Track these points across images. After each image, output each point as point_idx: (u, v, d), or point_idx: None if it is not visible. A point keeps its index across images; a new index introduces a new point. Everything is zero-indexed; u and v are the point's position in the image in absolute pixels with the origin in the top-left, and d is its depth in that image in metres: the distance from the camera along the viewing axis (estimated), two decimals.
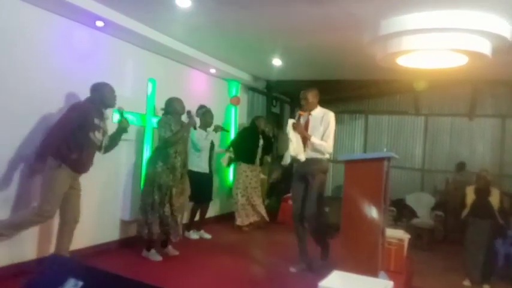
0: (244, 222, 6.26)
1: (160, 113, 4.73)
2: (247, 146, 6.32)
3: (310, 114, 4.43)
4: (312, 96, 4.43)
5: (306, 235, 4.42)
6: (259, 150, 6.42)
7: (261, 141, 6.44)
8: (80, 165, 3.57)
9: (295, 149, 4.26)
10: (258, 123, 6.46)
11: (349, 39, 4.62)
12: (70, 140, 3.46)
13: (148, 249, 4.45)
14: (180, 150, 4.47)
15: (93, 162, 3.72)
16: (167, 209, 4.34)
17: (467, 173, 7.99)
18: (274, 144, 6.70)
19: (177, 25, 4.57)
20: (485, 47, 4.11)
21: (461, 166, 8.16)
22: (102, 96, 3.69)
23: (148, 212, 4.33)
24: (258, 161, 6.44)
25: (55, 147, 3.44)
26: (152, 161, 4.45)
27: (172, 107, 4.52)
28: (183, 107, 4.61)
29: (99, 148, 3.76)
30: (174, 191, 4.37)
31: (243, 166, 6.30)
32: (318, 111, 4.45)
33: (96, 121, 3.61)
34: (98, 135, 3.64)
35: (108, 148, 3.90)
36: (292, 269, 4.38)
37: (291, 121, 4.39)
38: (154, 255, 4.43)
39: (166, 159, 4.36)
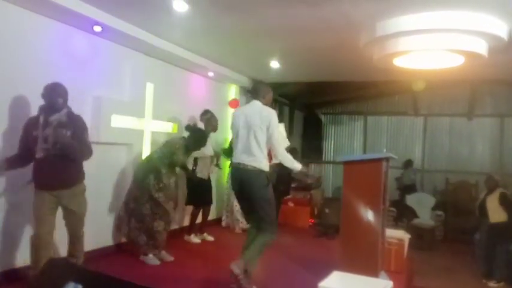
0: (236, 227, 6.24)
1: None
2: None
3: None
4: None
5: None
6: None
7: None
8: (47, 182, 3.27)
9: None
10: None
11: (347, 40, 4.64)
12: (23, 160, 3.31)
13: (146, 254, 4.43)
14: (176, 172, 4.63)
15: (72, 174, 3.37)
16: (156, 223, 4.38)
17: (414, 170, 8.49)
18: None
19: (174, 29, 4.58)
20: (481, 47, 4.12)
21: (408, 163, 8.53)
22: (46, 100, 3.27)
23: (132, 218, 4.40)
24: None
25: (14, 163, 3.33)
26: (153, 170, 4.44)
27: (199, 145, 4.72)
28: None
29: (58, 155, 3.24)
30: (167, 207, 4.43)
31: None
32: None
33: (35, 132, 3.21)
34: (45, 146, 3.19)
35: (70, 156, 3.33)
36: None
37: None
38: (152, 260, 4.40)
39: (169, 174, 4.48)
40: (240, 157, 3.59)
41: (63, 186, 3.32)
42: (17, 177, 3.51)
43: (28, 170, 3.33)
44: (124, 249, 4.71)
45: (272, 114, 3.59)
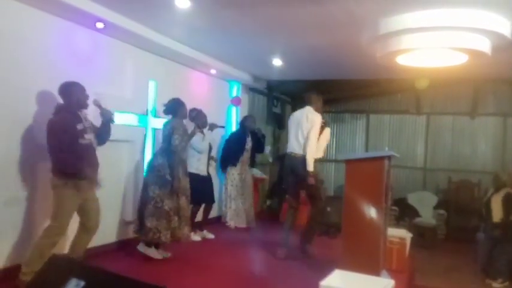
0: (232, 224, 6.26)
1: (161, 111, 4.71)
2: (233, 148, 6.27)
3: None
4: None
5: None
6: (246, 152, 6.31)
7: (250, 142, 6.34)
8: (87, 172, 3.49)
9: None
10: (247, 123, 6.35)
11: (350, 38, 4.63)
12: (66, 153, 3.39)
13: (149, 245, 4.42)
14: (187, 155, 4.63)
15: (98, 163, 3.67)
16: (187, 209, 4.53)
17: None
18: (265, 143, 6.66)
19: (177, 26, 4.58)
20: (485, 45, 4.10)
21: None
22: (75, 99, 3.53)
23: (170, 217, 4.34)
24: (245, 163, 6.36)
25: (57, 168, 3.43)
26: (172, 166, 4.35)
27: (180, 110, 4.51)
28: (187, 112, 4.70)
29: (95, 145, 3.67)
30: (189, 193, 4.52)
31: (231, 169, 6.25)
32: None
33: (79, 126, 3.49)
34: (87, 137, 3.54)
35: (102, 139, 3.78)
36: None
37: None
38: (154, 253, 4.42)
39: (184, 164, 4.55)
40: (291, 147, 4.74)
41: (96, 174, 3.60)
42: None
43: None
44: (125, 247, 4.72)
45: (316, 118, 4.68)
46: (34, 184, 3.73)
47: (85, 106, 3.62)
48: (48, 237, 3.41)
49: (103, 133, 3.78)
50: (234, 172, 6.25)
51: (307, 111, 4.75)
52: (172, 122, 4.47)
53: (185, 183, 4.50)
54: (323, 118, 4.79)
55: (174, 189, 4.31)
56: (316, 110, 4.76)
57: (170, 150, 4.36)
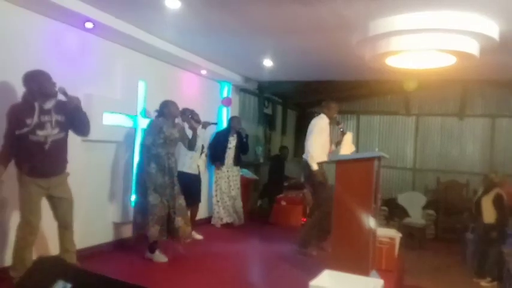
0: (217, 223, 6.39)
1: (153, 115, 4.71)
2: (218, 147, 6.39)
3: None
4: None
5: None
6: (230, 150, 6.41)
7: (233, 141, 6.44)
8: (39, 170, 3.28)
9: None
10: (233, 124, 6.49)
11: (339, 40, 4.65)
12: (16, 148, 3.26)
13: (152, 251, 4.42)
14: (172, 152, 4.50)
15: (61, 161, 3.44)
16: (167, 210, 4.36)
17: None
18: (248, 144, 6.72)
19: (167, 26, 4.56)
20: (472, 47, 4.15)
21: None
22: (36, 87, 3.25)
23: (146, 214, 4.30)
24: (230, 161, 6.44)
25: (8, 157, 3.29)
26: (144, 162, 4.43)
27: (168, 110, 4.53)
28: (178, 110, 4.67)
29: (57, 142, 3.36)
30: (172, 192, 4.39)
31: (218, 166, 6.40)
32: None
33: (29, 121, 3.19)
34: (41, 133, 3.24)
35: (78, 129, 3.52)
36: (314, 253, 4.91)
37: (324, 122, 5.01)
38: (159, 257, 4.41)
39: (158, 160, 4.37)
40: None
41: (56, 173, 3.38)
42: None
43: None
44: (118, 247, 4.69)
45: (314, 122, 4.95)
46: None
47: (50, 95, 3.30)
48: (20, 238, 3.30)
49: (75, 122, 3.46)
50: (221, 169, 6.39)
51: (318, 117, 5.02)
52: (153, 120, 4.55)
53: (162, 179, 4.37)
54: (339, 124, 5.08)
55: (147, 185, 4.31)
56: (329, 117, 4.98)
57: (141, 146, 4.50)
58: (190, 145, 4.77)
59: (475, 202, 5.67)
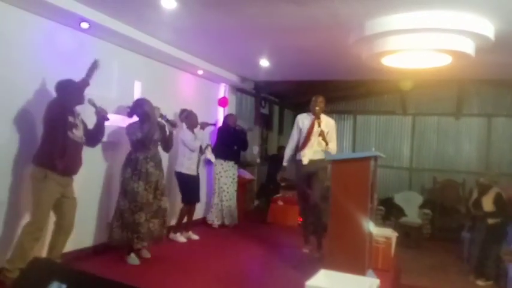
0: (215, 223, 6.31)
1: (125, 113, 4.67)
2: (222, 142, 6.38)
3: (320, 120, 4.81)
4: (324, 102, 4.93)
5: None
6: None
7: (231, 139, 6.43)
8: (67, 168, 3.49)
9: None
10: (228, 120, 6.48)
11: (335, 39, 4.65)
12: (51, 144, 3.39)
13: (128, 253, 4.39)
14: (151, 155, 4.40)
15: (81, 162, 3.67)
16: (137, 216, 4.23)
17: None
18: (247, 140, 6.71)
19: (163, 26, 4.55)
20: (468, 47, 4.16)
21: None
22: (68, 94, 3.54)
23: (114, 218, 4.33)
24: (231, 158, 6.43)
25: (39, 155, 3.41)
26: (122, 167, 4.41)
27: (142, 109, 4.42)
28: (153, 109, 4.53)
29: (83, 144, 3.69)
30: (145, 198, 4.27)
31: (217, 162, 6.32)
32: (324, 117, 4.92)
33: (71, 119, 3.51)
34: (76, 133, 3.54)
35: (94, 139, 3.87)
36: (305, 250, 4.99)
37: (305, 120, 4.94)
38: (133, 260, 4.34)
39: (135, 166, 4.31)
40: None
41: (75, 173, 3.61)
42: None
43: None
44: (110, 249, 4.66)
45: (333, 123, 5.00)
46: (18, 184, 3.66)
47: (80, 102, 3.66)
48: (28, 233, 3.36)
49: (96, 133, 3.83)
50: (219, 166, 6.34)
51: (330, 118, 5.07)
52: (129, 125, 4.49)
53: (133, 186, 4.28)
54: (317, 118, 4.81)
55: (122, 188, 4.32)
56: (316, 110, 4.85)
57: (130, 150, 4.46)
58: (166, 147, 4.74)
59: (472, 203, 5.64)
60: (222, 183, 6.34)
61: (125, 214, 4.26)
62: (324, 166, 4.80)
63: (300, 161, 4.87)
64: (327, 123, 4.91)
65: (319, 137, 4.79)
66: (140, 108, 4.43)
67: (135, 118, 4.53)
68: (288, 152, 5.06)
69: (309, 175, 4.83)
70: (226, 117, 6.66)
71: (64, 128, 3.42)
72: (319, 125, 4.78)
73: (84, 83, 3.68)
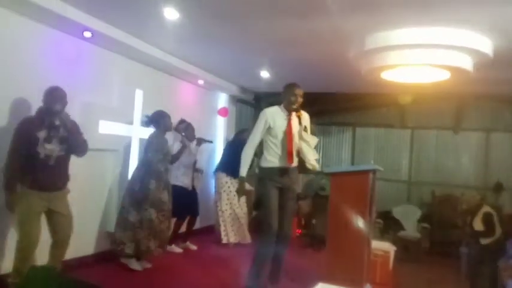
0: (230, 240, 6.03)
1: (143, 121, 4.75)
2: (232, 159, 6.17)
3: (301, 114, 3.83)
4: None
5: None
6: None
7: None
8: (41, 183, 3.29)
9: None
10: (242, 136, 5.97)
11: (336, 52, 4.70)
12: (21, 161, 3.26)
13: (130, 256, 4.39)
14: (169, 167, 4.68)
15: (63, 177, 3.48)
16: (163, 225, 4.47)
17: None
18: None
19: (165, 36, 4.59)
20: (466, 63, 4.21)
21: (499, 187, 7.82)
22: (47, 103, 3.36)
23: (129, 230, 4.32)
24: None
25: (13, 173, 3.27)
26: (142, 178, 4.41)
27: (162, 122, 4.59)
28: (171, 124, 4.74)
29: (64, 157, 3.45)
30: (169, 206, 4.53)
31: (225, 178, 6.03)
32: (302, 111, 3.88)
33: (42, 133, 3.28)
34: (49, 146, 3.30)
35: (77, 149, 3.55)
36: None
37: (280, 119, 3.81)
38: (134, 264, 4.38)
39: (159, 177, 4.43)
40: None
41: (59, 188, 3.42)
42: None
43: None
44: (108, 258, 4.64)
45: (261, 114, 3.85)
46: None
47: (57, 110, 3.36)
48: (18, 250, 3.29)
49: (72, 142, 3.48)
50: (228, 181, 6.04)
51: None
52: (151, 134, 4.59)
53: (160, 196, 4.42)
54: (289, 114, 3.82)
55: (139, 200, 4.33)
56: (285, 104, 3.90)
57: (142, 162, 4.54)
58: (173, 160, 4.87)
59: (468, 224, 5.63)
60: (233, 197, 6.01)
61: (153, 223, 4.35)
62: (297, 177, 3.97)
63: (270, 169, 3.77)
64: (304, 116, 3.87)
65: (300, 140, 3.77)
66: (161, 121, 4.59)
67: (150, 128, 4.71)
68: (246, 159, 3.79)
69: (281, 190, 3.79)
70: (240, 133, 6.30)
71: (33, 143, 3.25)
72: (300, 122, 3.76)
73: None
